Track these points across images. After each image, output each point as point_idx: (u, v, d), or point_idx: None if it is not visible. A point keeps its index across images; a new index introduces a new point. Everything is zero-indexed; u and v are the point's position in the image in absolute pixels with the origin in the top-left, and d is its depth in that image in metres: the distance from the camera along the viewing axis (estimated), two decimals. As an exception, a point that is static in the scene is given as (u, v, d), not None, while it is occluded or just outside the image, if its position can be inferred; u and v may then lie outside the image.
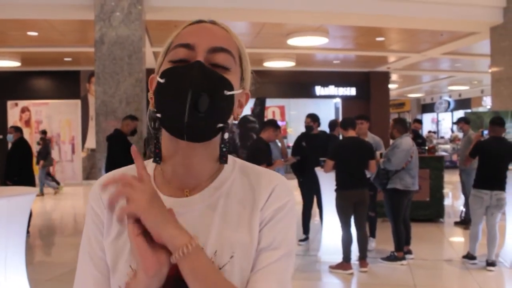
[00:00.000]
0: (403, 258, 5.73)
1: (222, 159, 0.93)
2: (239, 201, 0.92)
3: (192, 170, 0.92)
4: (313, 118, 6.83)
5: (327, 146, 6.57)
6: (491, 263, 5.43)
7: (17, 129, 7.77)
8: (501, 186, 5.43)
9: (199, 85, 0.82)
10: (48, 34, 10.12)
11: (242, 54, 0.95)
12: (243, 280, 0.86)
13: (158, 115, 0.86)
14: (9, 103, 14.35)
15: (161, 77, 0.86)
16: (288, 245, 0.91)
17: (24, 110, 14.45)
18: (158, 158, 0.93)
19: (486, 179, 5.49)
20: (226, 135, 0.93)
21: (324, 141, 6.69)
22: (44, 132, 12.55)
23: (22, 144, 7.52)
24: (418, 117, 25.23)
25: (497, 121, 5.60)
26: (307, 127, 6.83)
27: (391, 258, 5.78)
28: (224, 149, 0.93)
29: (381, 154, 6.08)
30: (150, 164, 0.98)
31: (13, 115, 14.38)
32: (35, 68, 13.85)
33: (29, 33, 10.04)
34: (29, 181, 6.94)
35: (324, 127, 7.28)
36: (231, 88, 0.88)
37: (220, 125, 0.88)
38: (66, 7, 7.77)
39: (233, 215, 0.90)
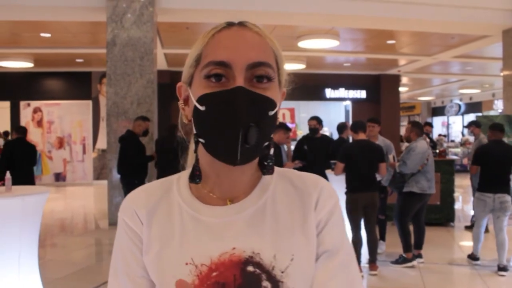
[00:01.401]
0: (413, 259, 5.71)
1: (268, 172, 0.90)
2: (286, 203, 0.90)
3: (236, 182, 0.90)
4: (319, 121, 6.83)
5: (329, 149, 6.58)
6: (502, 268, 5.41)
7: (17, 130, 7.74)
8: (504, 189, 5.52)
9: (246, 119, 0.79)
10: (61, 35, 10.22)
11: (279, 57, 0.90)
12: (305, 282, 0.86)
13: (202, 140, 0.84)
14: (22, 104, 14.48)
15: (200, 102, 0.82)
16: (349, 245, 0.93)
17: (36, 110, 14.57)
18: (198, 179, 0.88)
19: (489, 182, 5.60)
20: (272, 151, 0.90)
21: (326, 144, 6.69)
22: (6, 134, 12.40)
23: (10, 145, 7.49)
24: (429, 120, 25.10)
25: (498, 127, 5.82)
26: (312, 129, 6.82)
27: (400, 260, 5.77)
28: (271, 163, 0.89)
29: (394, 158, 6.07)
30: (184, 174, 0.95)
31: (26, 116, 14.51)
32: (48, 69, 13.98)
33: (42, 34, 10.13)
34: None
35: (334, 129, 7.27)
36: (274, 105, 0.84)
37: (267, 143, 0.86)
38: (78, 9, 7.84)
39: (284, 218, 0.89)
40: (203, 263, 0.83)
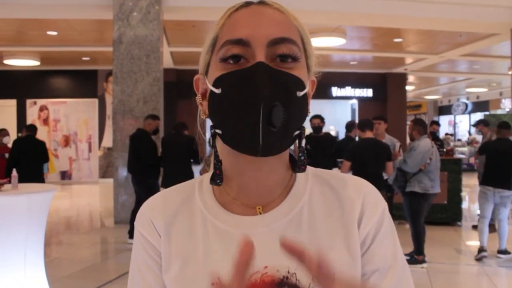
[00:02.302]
0: (423, 261, 5.66)
1: (300, 168, 0.77)
2: (325, 213, 0.79)
3: (264, 183, 0.78)
4: (321, 119, 6.81)
5: (332, 148, 6.56)
6: (501, 251, 5.98)
7: (28, 128, 7.77)
8: (505, 185, 5.87)
9: (269, 95, 0.67)
10: (67, 33, 10.23)
11: (305, 36, 0.80)
12: None
13: (218, 131, 0.74)
14: (28, 102, 14.53)
15: (215, 85, 0.72)
16: (402, 258, 0.81)
17: (42, 108, 14.62)
18: (219, 180, 0.77)
19: (491, 177, 5.98)
20: (304, 142, 0.77)
21: (330, 143, 6.67)
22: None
23: (18, 143, 7.50)
24: (435, 119, 25.01)
25: (504, 125, 6.19)
26: (317, 127, 6.78)
27: (411, 261, 5.71)
28: (302, 157, 0.77)
29: (400, 148, 6.09)
30: (207, 177, 0.84)
31: (32, 114, 14.55)
32: (54, 67, 14.02)
33: (49, 32, 10.16)
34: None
35: (340, 128, 7.25)
36: (303, 86, 0.73)
37: (297, 132, 0.74)
38: (85, 7, 7.85)
39: (323, 230, 0.77)
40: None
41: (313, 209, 0.79)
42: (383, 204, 0.82)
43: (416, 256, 5.69)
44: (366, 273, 0.77)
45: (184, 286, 0.76)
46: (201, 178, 0.86)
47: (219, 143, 0.78)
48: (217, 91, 0.72)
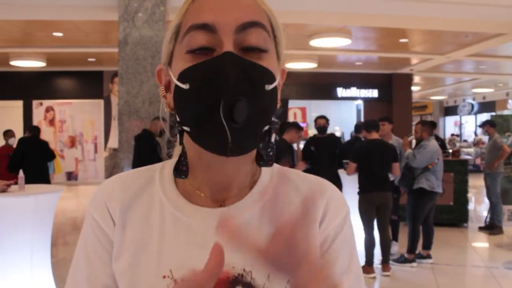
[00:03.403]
0: (413, 261, 5.70)
1: (267, 163, 0.75)
2: (287, 210, 0.72)
3: (229, 177, 0.75)
4: (327, 120, 6.79)
5: (336, 148, 6.54)
6: None
7: (31, 129, 7.81)
8: None
9: (234, 90, 0.63)
10: (73, 34, 10.26)
11: (274, 23, 0.75)
12: None
13: (186, 128, 0.69)
14: (34, 103, 14.58)
15: (181, 79, 0.67)
16: (357, 265, 0.79)
17: (48, 109, 14.67)
18: (184, 176, 0.74)
19: None
20: (274, 137, 0.73)
21: (334, 144, 6.65)
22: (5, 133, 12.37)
23: (23, 143, 7.52)
24: (441, 120, 24.94)
25: None
26: (321, 128, 6.76)
27: (401, 260, 5.74)
28: (271, 153, 0.75)
29: (411, 142, 6.08)
30: (169, 164, 0.80)
31: (38, 115, 14.61)
32: (60, 68, 14.06)
33: (54, 33, 10.18)
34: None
35: (345, 129, 7.23)
36: (273, 78, 0.69)
37: (266, 127, 0.70)
38: (91, 8, 7.87)
39: None
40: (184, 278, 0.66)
41: (277, 205, 0.72)
42: (346, 209, 0.80)
43: (406, 255, 5.71)
44: None
45: (133, 277, 0.71)
46: (163, 165, 0.81)
47: (186, 138, 0.73)
48: (184, 86, 0.67)
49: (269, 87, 0.68)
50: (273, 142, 0.75)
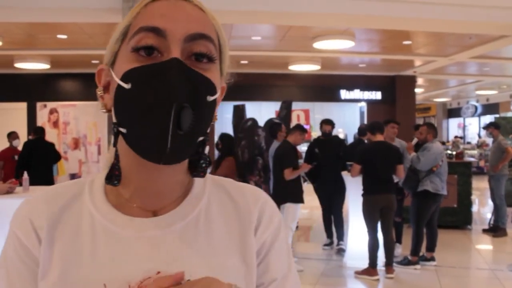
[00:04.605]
0: (417, 263, 5.69)
1: (199, 174, 0.75)
2: (222, 219, 0.77)
3: (162, 186, 0.74)
4: (333, 125, 6.79)
5: (340, 151, 6.54)
6: None
7: (35, 131, 7.83)
8: None
9: (181, 96, 0.63)
10: (77, 37, 10.30)
11: (221, 38, 0.76)
12: None
13: (123, 130, 0.67)
14: (38, 105, 14.61)
15: (124, 79, 0.66)
16: (294, 266, 0.83)
17: (52, 111, 14.69)
18: (116, 181, 0.73)
19: None
20: (207, 149, 0.74)
21: (337, 146, 6.65)
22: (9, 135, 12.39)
23: (28, 145, 7.52)
24: (444, 122, 24.89)
25: None
26: (327, 134, 6.77)
27: (404, 262, 5.73)
28: (204, 165, 0.74)
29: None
30: (100, 176, 0.78)
31: (42, 116, 14.64)
32: (64, 70, 14.12)
33: (59, 36, 10.22)
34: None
35: (349, 131, 7.23)
36: (215, 91, 0.70)
37: (201, 138, 0.71)
38: (95, 10, 7.89)
39: (219, 236, 0.75)
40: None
41: (210, 215, 0.76)
42: (279, 215, 0.82)
43: (410, 257, 5.71)
44: (263, 283, 0.77)
45: None
46: (92, 178, 0.79)
47: (121, 141, 0.71)
48: (126, 86, 0.66)
49: (210, 98, 0.69)
50: (207, 154, 0.75)
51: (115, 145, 0.72)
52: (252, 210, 0.78)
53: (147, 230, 0.71)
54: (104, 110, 0.74)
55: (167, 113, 0.62)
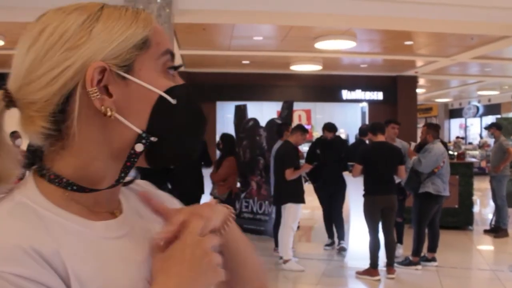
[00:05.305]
0: (418, 263, 5.70)
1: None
2: (139, 203, 0.79)
3: (116, 190, 0.75)
4: (335, 130, 6.76)
5: (342, 151, 6.54)
6: None
7: None
8: None
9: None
10: (79, 36, 10.32)
11: None
12: None
13: (153, 139, 0.70)
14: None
15: (170, 94, 0.70)
16: None
17: (54, 111, 14.76)
18: (89, 188, 0.70)
19: None
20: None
21: (339, 147, 6.65)
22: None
23: None
24: (446, 122, 24.87)
25: None
26: (329, 139, 6.76)
27: (405, 262, 5.73)
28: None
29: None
30: (31, 191, 0.68)
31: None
32: (65, 70, 14.14)
33: (61, 36, 10.25)
34: None
35: (350, 131, 7.22)
36: None
37: None
38: (97, 10, 7.92)
39: (151, 218, 0.77)
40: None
41: (140, 213, 0.80)
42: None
43: (411, 258, 5.71)
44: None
45: None
46: (19, 194, 0.66)
47: (91, 146, 0.69)
48: (172, 101, 0.71)
49: None
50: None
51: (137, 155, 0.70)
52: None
53: (120, 229, 0.73)
54: (110, 114, 0.67)
55: (204, 127, 0.75)
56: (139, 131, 0.69)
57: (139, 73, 0.70)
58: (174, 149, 0.73)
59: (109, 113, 0.67)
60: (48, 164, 0.70)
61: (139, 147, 0.69)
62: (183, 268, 0.65)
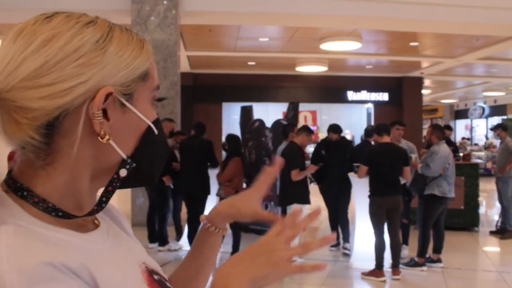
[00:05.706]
0: (424, 265, 5.69)
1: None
2: (104, 217, 0.83)
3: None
4: (340, 132, 6.76)
5: (347, 152, 6.55)
6: None
7: None
8: None
9: None
10: (85, 38, 10.38)
11: None
12: None
13: (133, 164, 0.72)
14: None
15: (155, 124, 0.75)
16: None
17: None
18: (76, 214, 0.69)
19: None
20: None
21: (344, 148, 6.66)
22: None
23: None
24: (451, 123, 24.79)
25: None
26: (334, 140, 6.78)
27: (411, 263, 5.73)
28: None
29: (416, 158, 6.03)
30: (22, 213, 0.64)
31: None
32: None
33: (67, 37, 10.32)
34: None
35: (356, 132, 7.22)
36: None
37: None
38: (104, 12, 7.90)
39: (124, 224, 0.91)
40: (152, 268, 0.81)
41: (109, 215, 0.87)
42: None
43: (417, 259, 5.71)
44: None
45: None
46: (12, 222, 0.62)
47: (79, 165, 0.68)
48: (156, 131, 0.75)
49: None
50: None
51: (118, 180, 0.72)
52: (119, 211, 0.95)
53: (106, 235, 0.76)
54: (105, 139, 0.68)
55: (167, 155, 0.83)
56: (125, 156, 0.71)
57: (136, 102, 0.72)
58: (145, 174, 0.77)
59: (106, 137, 0.68)
60: (28, 181, 0.66)
61: (123, 172, 0.71)
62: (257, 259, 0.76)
